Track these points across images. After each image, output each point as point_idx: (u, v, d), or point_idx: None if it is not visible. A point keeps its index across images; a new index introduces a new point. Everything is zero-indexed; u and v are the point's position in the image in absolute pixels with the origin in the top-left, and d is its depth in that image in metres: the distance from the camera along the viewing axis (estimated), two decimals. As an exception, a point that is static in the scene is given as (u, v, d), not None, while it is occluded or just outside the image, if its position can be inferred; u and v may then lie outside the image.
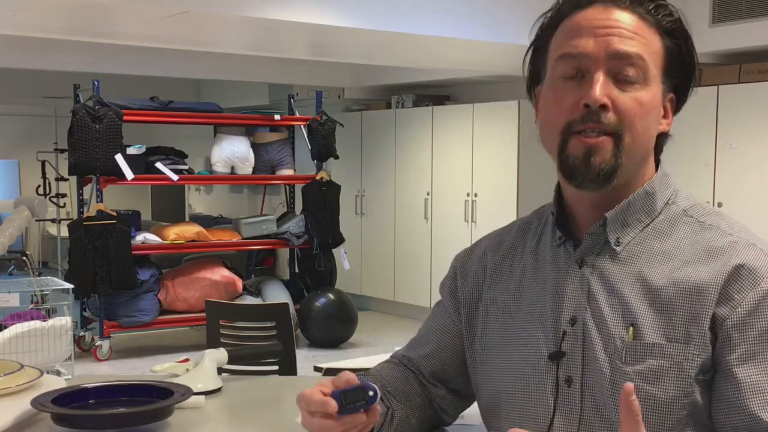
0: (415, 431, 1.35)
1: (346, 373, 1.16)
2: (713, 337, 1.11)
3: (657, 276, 1.15)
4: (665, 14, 1.18)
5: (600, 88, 1.13)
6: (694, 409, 1.11)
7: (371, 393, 1.14)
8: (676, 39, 1.18)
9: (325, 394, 1.14)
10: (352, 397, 1.14)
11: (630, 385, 0.99)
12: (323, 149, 7.03)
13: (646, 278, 1.16)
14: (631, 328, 1.14)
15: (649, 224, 1.20)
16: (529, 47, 1.25)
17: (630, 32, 1.14)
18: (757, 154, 5.35)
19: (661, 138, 1.23)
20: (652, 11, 1.17)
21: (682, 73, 1.20)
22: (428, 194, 7.81)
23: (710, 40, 5.43)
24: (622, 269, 1.18)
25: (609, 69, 1.14)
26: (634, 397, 0.98)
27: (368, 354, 6.22)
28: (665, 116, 1.22)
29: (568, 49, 1.16)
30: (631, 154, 1.15)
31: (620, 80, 1.14)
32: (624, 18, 1.15)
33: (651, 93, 1.16)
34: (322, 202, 6.99)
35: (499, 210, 6.96)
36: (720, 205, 5.50)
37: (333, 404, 1.12)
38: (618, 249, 1.19)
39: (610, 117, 1.13)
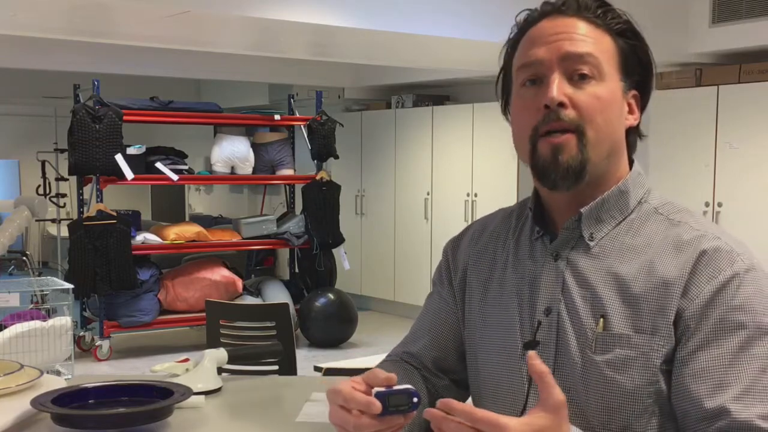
0: (419, 428, 1.36)
1: (379, 371, 1.14)
2: (676, 330, 1.15)
3: (627, 270, 1.20)
4: (613, 17, 1.24)
5: (556, 87, 1.19)
6: (659, 397, 1.16)
7: (416, 399, 1.13)
8: (628, 39, 1.24)
9: (359, 391, 1.13)
10: (396, 401, 1.12)
11: (533, 352, 1.05)
12: (323, 149, 7.03)
13: (617, 272, 1.20)
14: (601, 320, 1.19)
15: (622, 221, 1.25)
16: (498, 75, 1.33)
17: (579, 35, 1.21)
18: (757, 154, 5.35)
19: (632, 135, 1.28)
20: (600, 15, 1.23)
21: (639, 70, 1.26)
22: (428, 194, 7.81)
23: (710, 40, 5.43)
24: (594, 263, 1.23)
25: (563, 70, 1.20)
26: (536, 360, 1.04)
27: (368, 354, 6.22)
28: (631, 112, 1.27)
29: (523, 60, 1.24)
30: (596, 147, 1.20)
31: (575, 79, 1.20)
32: (572, 24, 1.22)
33: (608, 88, 1.21)
34: (322, 202, 6.99)
35: (499, 210, 6.94)
36: (720, 205, 5.50)
37: (378, 405, 1.10)
38: (591, 244, 1.24)
39: (569, 113, 1.19)
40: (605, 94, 1.20)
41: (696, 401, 1.12)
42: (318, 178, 7.04)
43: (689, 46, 5.53)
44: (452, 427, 1.01)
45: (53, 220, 9.22)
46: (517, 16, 1.29)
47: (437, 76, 7.29)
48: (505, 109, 1.32)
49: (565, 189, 1.21)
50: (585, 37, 1.21)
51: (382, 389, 1.13)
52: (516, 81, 1.25)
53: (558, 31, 1.22)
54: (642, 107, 1.28)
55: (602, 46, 1.22)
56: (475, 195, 7.36)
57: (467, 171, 7.43)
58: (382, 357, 1.51)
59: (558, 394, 1.04)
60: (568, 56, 1.20)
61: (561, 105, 1.18)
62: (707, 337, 1.13)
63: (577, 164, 1.19)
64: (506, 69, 1.30)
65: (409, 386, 1.15)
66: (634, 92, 1.26)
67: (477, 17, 4.94)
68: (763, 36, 5.18)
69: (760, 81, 5.34)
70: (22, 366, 1.66)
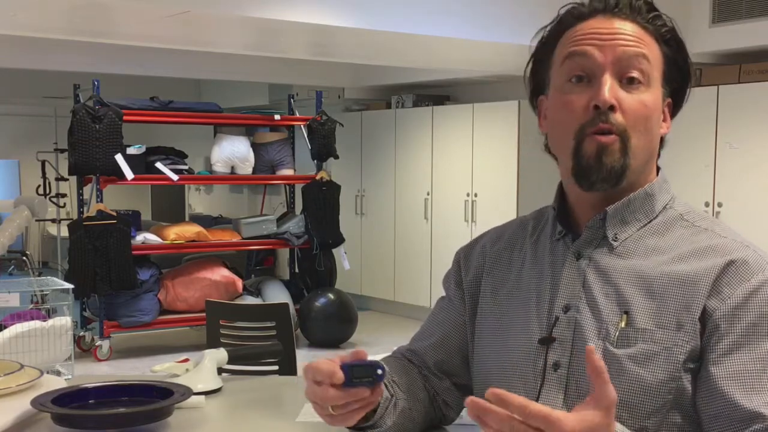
0: (415, 424, 1.36)
1: (356, 350, 1.18)
2: (702, 328, 1.15)
3: (651, 267, 1.20)
4: (661, 24, 1.25)
5: (608, 90, 1.18)
6: (680, 395, 1.15)
7: (379, 371, 1.16)
8: (672, 47, 1.25)
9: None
10: (360, 372, 1.15)
11: (591, 346, 1.02)
12: (323, 149, 7.03)
13: (640, 270, 1.21)
14: (624, 316, 1.18)
15: (646, 224, 1.25)
16: (530, 59, 1.31)
17: (633, 38, 1.21)
18: (757, 154, 5.35)
19: (660, 142, 1.29)
20: (651, 21, 1.23)
21: (679, 79, 1.27)
22: (428, 194, 7.81)
23: (710, 40, 5.43)
24: (618, 262, 1.23)
25: (615, 72, 1.20)
26: (597, 355, 1.00)
27: (368, 354, 6.22)
28: (664, 120, 1.27)
29: (574, 49, 1.22)
30: (637, 154, 1.21)
31: (624, 82, 1.20)
32: (626, 26, 1.22)
33: (653, 95, 1.22)
34: (322, 202, 6.98)
35: (499, 210, 6.96)
36: (720, 205, 5.50)
37: (340, 375, 1.14)
38: (615, 244, 1.24)
39: (617, 118, 1.19)
40: (651, 102, 1.21)
41: (729, 403, 1.11)
42: (318, 178, 7.03)
43: (689, 46, 5.42)
44: (499, 419, 0.96)
45: (53, 220, 9.22)
46: (561, 8, 1.26)
47: (437, 76, 7.29)
48: (533, 98, 1.31)
49: (602, 191, 1.21)
50: (638, 41, 1.21)
51: (348, 362, 1.16)
52: (560, 73, 1.23)
53: (614, 31, 1.21)
54: (673, 116, 1.29)
55: (652, 52, 1.22)
56: (475, 195, 7.36)
57: (467, 171, 7.42)
58: (382, 357, 1.51)
59: (612, 392, 1.01)
60: (623, 58, 1.20)
61: (611, 108, 1.18)
62: (739, 340, 1.13)
63: (619, 168, 1.19)
64: (543, 55, 1.28)
65: (375, 359, 1.17)
66: (669, 101, 1.27)
67: (477, 17, 4.94)
68: (763, 36, 5.18)
69: (760, 81, 5.34)
70: (22, 366, 1.66)
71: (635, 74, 1.19)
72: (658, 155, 1.29)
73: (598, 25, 1.22)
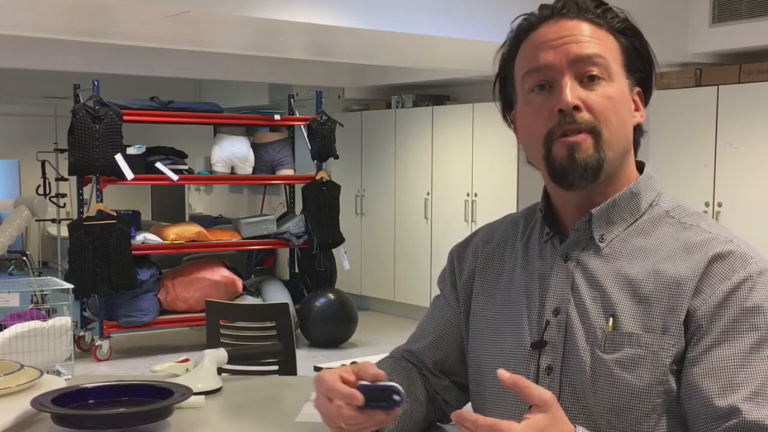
0: (416, 424, 1.37)
1: (370, 366, 1.17)
2: (686, 330, 1.16)
3: (638, 270, 1.21)
4: (612, 16, 1.25)
5: (569, 91, 1.19)
6: (668, 397, 1.16)
7: (397, 397, 1.14)
8: (629, 36, 1.26)
9: (346, 382, 1.15)
10: (378, 396, 1.13)
11: (500, 370, 1.07)
12: (323, 149, 7.03)
13: (627, 273, 1.21)
14: (611, 319, 1.19)
15: (632, 223, 1.25)
16: (495, 79, 1.33)
17: (585, 37, 1.22)
18: (757, 154, 5.35)
19: (637, 133, 1.29)
20: (600, 15, 1.24)
21: (642, 66, 1.27)
22: (428, 194, 7.81)
23: (710, 40, 5.43)
24: (604, 264, 1.23)
25: (573, 73, 1.21)
26: (504, 375, 1.06)
27: (368, 354, 6.22)
28: (637, 109, 1.28)
29: (531, 65, 1.23)
30: (612, 147, 1.21)
31: (586, 81, 1.21)
32: (576, 26, 1.23)
33: (617, 87, 1.22)
34: (322, 202, 6.99)
35: (499, 210, 6.89)
36: (720, 205, 5.50)
37: (360, 398, 1.13)
38: (602, 245, 1.24)
39: (584, 116, 1.20)
40: (616, 94, 1.21)
41: (706, 400, 1.12)
42: (318, 178, 7.04)
43: (689, 46, 5.53)
44: None
45: (53, 220, 9.22)
46: (512, 22, 1.28)
47: (437, 76, 7.29)
48: (505, 115, 1.33)
49: (582, 188, 1.22)
50: (591, 39, 1.22)
51: (367, 383, 1.14)
52: (523, 87, 1.25)
53: (563, 34, 1.22)
54: (645, 104, 1.29)
55: (607, 46, 1.22)
56: (475, 195, 7.36)
57: (467, 171, 7.43)
58: (381, 357, 1.51)
59: (542, 391, 1.05)
60: (577, 59, 1.20)
61: (575, 108, 1.19)
62: (719, 337, 1.13)
63: (594, 163, 1.20)
64: (504, 74, 1.31)
65: (394, 384, 1.15)
66: (638, 89, 1.27)
67: (477, 17, 4.94)
68: (763, 36, 5.18)
69: (760, 81, 5.34)
70: (22, 366, 1.66)
71: (595, 71, 1.20)
72: (638, 144, 1.30)
73: (548, 31, 1.23)
